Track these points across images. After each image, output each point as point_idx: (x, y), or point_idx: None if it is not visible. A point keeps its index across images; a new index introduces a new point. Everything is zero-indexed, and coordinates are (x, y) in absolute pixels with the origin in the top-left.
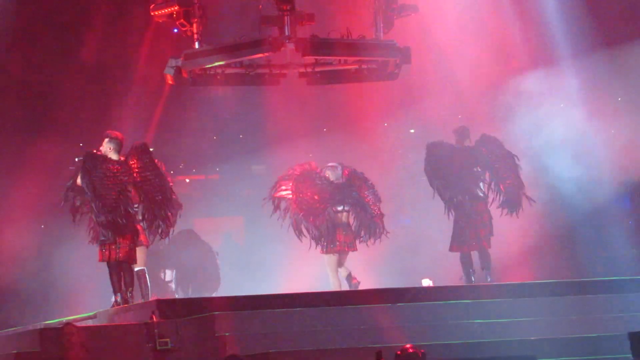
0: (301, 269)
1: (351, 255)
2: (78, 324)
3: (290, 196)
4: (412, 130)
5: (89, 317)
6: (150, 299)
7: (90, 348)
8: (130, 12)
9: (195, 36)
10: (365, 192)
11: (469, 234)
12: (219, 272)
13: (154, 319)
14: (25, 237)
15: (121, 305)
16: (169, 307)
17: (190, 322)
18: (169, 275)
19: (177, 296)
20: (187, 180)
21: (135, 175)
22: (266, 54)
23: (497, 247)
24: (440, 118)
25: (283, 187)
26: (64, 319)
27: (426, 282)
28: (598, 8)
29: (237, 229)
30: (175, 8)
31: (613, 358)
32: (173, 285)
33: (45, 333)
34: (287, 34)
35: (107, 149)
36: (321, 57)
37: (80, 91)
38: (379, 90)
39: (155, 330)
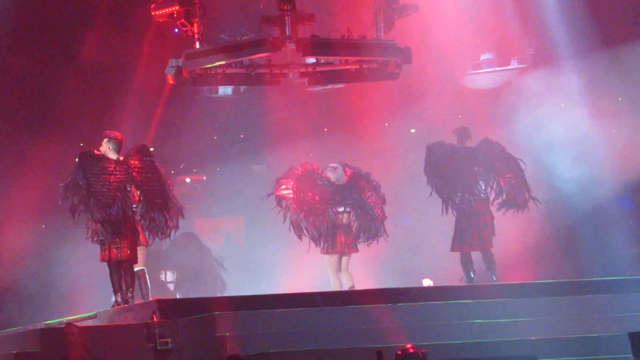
0: (301, 269)
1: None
2: (78, 324)
3: (292, 195)
4: (412, 130)
5: (90, 317)
6: (150, 299)
7: (91, 348)
8: (131, 12)
9: (196, 36)
10: (368, 193)
11: (470, 234)
12: (218, 274)
13: (155, 319)
14: (26, 237)
15: (121, 305)
16: (170, 307)
17: (191, 322)
18: (169, 276)
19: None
20: (188, 180)
21: (135, 174)
22: (267, 53)
23: (498, 247)
24: (440, 118)
25: (284, 186)
26: (65, 319)
27: (427, 282)
28: (599, 8)
29: (238, 229)
30: (176, 8)
31: (613, 358)
32: (172, 286)
33: (46, 333)
34: (287, 33)
35: (107, 148)
36: (322, 57)
37: (81, 91)
38: (380, 90)
39: (156, 330)
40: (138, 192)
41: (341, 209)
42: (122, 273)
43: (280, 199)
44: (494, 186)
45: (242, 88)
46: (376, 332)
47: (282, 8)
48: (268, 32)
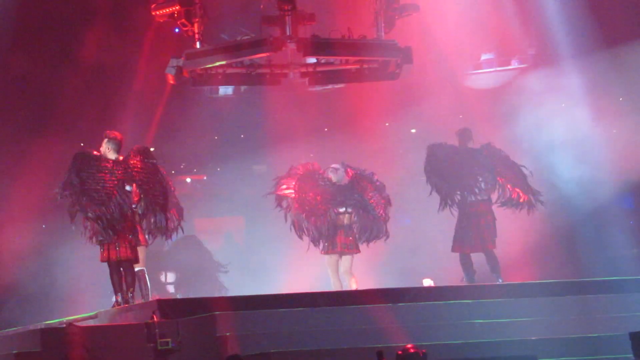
0: (302, 269)
1: None
2: (79, 324)
3: (293, 195)
4: (413, 130)
5: (90, 317)
6: (150, 299)
7: (91, 348)
8: (131, 12)
9: (197, 36)
10: (370, 194)
11: (471, 236)
12: (217, 277)
13: (155, 319)
14: (26, 236)
15: (122, 306)
16: (170, 307)
17: (191, 322)
18: (169, 277)
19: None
20: (188, 180)
21: (134, 174)
22: (267, 53)
23: (499, 247)
24: (440, 118)
25: (284, 186)
26: (65, 319)
27: (427, 282)
28: (599, 8)
29: (238, 229)
30: (177, 8)
31: (613, 358)
32: (173, 288)
33: (46, 333)
34: (288, 33)
35: (106, 149)
36: (322, 57)
37: (82, 91)
38: (380, 90)
39: (156, 330)
40: (138, 192)
41: (342, 210)
42: (122, 273)
43: (281, 199)
44: (496, 186)
45: (242, 88)
46: (376, 332)
47: (283, 8)
48: (268, 32)
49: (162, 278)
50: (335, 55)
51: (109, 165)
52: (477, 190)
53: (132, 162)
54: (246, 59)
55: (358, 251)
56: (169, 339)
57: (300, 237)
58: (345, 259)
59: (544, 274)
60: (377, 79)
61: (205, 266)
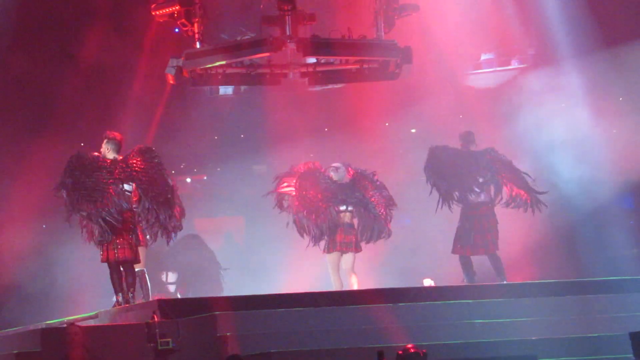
0: (302, 269)
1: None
2: (79, 324)
3: (293, 193)
4: (413, 130)
5: (91, 317)
6: (151, 299)
7: (92, 348)
8: (131, 12)
9: (197, 36)
10: (371, 193)
11: (473, 238)
12: (220, 276)
13: (156, 319)
14: (27, 236)
15: (122, 305)
16: (170, 307)
17: (192, 322)
18: (170, 277)
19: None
20: (188, 180)
21: (133, 173)
22: (267, 53)
23: (499, 247)
24: (440, 118)
25: (285, 184)
26: (65, 319)
27: (428, 282)
28: (599, 8)
29: (238, 229)
30: (177, 8)
31: (613, 358)
32: (173, 287)
33: (47, 333)
34: (288, 33)
35: (106, 149)
36: (322, 57)
37: (82, 91)
38: (380, 90)
39: (157, 330)
40: (138, 192)
41: (343, 208)
42: (122, 273)
43: (281, 197)
44: (497, 187)
45: (242, 88)
46: (377, 332)
47: (283, 8)
48: (268, 32)
49: (164, 278)
50: (335, 55)
51: (105, 165)
52: (476, 189)
53: (131, 161)
54: (246, 59)
55: (359, 250)
56: (169, 339)
57: (302, 235)
58: (347, 257)
59: (544, 274)
60: (377, 79)
61: (205, 265)
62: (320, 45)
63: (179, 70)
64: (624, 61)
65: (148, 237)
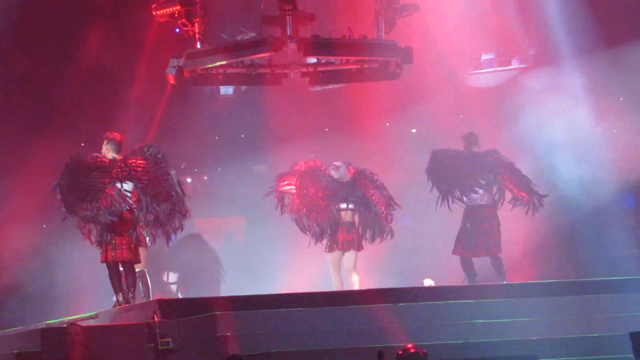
0: (302, 269)
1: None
2: (80, 324)
3: (294, 191)
4: (413, 130)
5: (91, 317)
6: (152, 299)
7: (92, 348)
8: (131, 12)
9: (197, 36)
10: (371, 191)
11: (475, 240)
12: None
13: (156, 319)
14: (27, 236)
15: (123, 305)
16: (171, 307)
17: (192, 322)
18: (171, 277)
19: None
20: (189, 180)
21: (133, 173)
22: (268, 53)
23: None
24: (441, 118)
25: (285, 182)
26: (66, 319)
27: (428, 282)
28: (600, 8)
29: (239, 229)
30: (177, 8)
31: (613, 358)
32: (175, 287)
33: (47, 333)
34: (288, 33)
35: (106, 150)
36: (323, 57)
37: (82, 91)
38: (381, 90)
39: (157, 330)
40: (137, 191)
41: (344, 206)
42: (122, 273)
43: (282, 196)
44: (499, 188)
45: (242, 88)
46: (377, 332)
47: (283, 8)
48: (269, 32)
49: (165, 278)
50: (336, 55)
51: (103, 165)
52: (476, 189)
53: (131, 161)
54: (246, 59)
55: (361, 248)
56: (169, 339)
57: (304, 232)
58: (349, 255)
59: (544, 274)
60: (378, 79)
61: (206, 266)
62: (321, 45)
63: (180, 70)
64: (625, 61)
65: (147, 238)
